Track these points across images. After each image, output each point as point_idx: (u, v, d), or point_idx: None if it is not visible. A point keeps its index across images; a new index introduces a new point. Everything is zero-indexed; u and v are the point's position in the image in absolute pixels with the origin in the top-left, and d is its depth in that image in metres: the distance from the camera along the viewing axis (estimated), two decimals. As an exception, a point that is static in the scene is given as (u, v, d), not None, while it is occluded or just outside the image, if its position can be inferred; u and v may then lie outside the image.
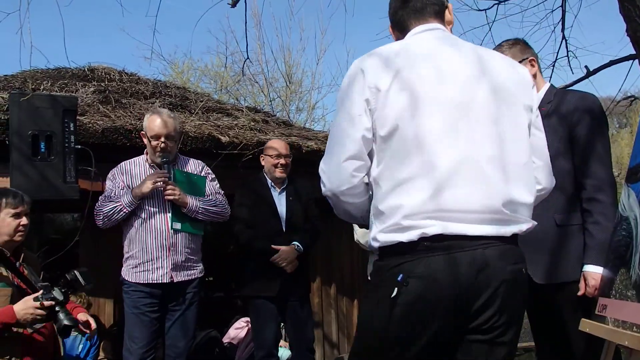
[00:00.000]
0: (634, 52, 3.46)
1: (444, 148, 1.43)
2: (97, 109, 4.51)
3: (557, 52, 4.63)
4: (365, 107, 1.48)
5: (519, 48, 2.40)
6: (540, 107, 2.33)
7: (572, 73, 4.45)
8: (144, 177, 3.21)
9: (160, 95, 5.43)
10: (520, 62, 2.35)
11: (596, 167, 2.17)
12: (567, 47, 4.66)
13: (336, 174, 1.53)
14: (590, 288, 2.10)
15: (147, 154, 3.32)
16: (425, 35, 1.60)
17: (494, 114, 1.48)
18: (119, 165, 3.31)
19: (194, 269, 3.27)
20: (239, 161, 4.34)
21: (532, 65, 2.37)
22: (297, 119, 15.56)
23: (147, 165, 3.30)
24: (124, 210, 3.12)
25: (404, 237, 1.42)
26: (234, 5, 3.64)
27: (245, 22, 3.79)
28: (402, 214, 1.42)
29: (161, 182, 3.13)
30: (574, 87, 4.29)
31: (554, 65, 4.68)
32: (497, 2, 4.78)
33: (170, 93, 5.58)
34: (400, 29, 1.69)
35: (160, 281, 3.14)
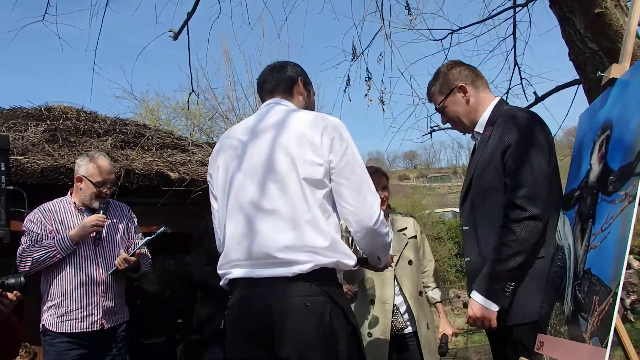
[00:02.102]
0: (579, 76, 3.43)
1: (228, 220, 1.91)
2: (42, 147, 4.36)
3: (510, 80, 4.61)
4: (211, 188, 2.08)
5: (440, 83, 2.31)
6: (484, 132, 2.23)
7: (527, 100, 4.41)
8: (73, 221, 3.07)
9: (114, 133, 5.29)
10: (447, 96, 2.27)
11: (519, 197, 1.99)
12: (520, 75, 4.66)
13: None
14: (471, 318, 2.02)
15: (72, 195, 3.18)
16: (258, 112, 2.05)
17: (272, 178, 1.83)
18: (41, 208, 3.10)
19: (122, 313, 3.14)
20: (188, 198, 4.20)
21: (464, 92, 2.26)
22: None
23: (73, 208, 3.14)
24: (58, 255, 2.96)
25: (222, 282, 1.95)
26: (175, 37, 3.57)
27: (189, 55, 3.70)
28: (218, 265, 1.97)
29: (101, 227, 3.05)
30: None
31: (507, 93, 4.64)
32: (450, 31, 4.79)
33: (125, 130, 5.45)
34: (262, 101, 2.11)
35: (90, 329, 2.95)
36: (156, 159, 4.62)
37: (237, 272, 1.86)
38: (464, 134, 2.38)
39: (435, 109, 2.35)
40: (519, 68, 4.67)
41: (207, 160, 4.98)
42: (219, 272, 1.95)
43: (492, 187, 2.10)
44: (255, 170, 1.87)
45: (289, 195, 1.81)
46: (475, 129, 2.29)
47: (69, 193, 3.21)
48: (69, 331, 2.93)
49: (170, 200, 4.17)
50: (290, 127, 1.88)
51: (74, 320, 2.94)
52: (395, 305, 2.95)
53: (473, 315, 2.00)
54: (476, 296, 2.00)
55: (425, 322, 2.93)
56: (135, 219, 3.33)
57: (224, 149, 2.01)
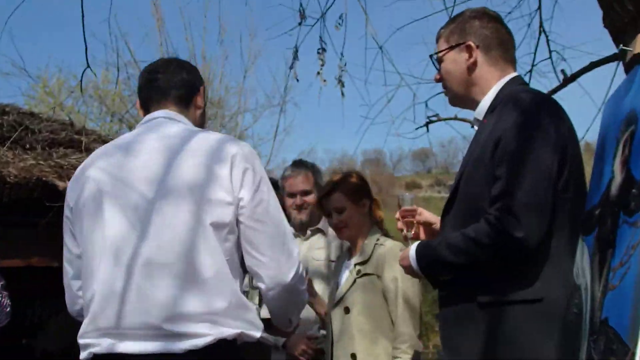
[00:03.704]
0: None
1: (100, 273, 1.89)
2: None
3: (535, 52, 4.60)
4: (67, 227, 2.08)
5: (453, 29, 2.32)
6: (483, 119, 2.22)
7: (559, 81, 4.35)
8: None
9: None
10: (450, 48, 2.29)
11: (504, 209, 1.96)
12: (548, 45, 4.64)
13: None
14: (402, 262, 2.28)
15: None
16: (145, 128, 2.08)
17: (166, 222, 1.87)
18: None
19: None
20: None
21: (470, 55, 2.25)
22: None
23: None
24: None
25: (82, 355, 1.92)
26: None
27: (82, 14, 3.61)
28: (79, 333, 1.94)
29: None
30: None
31: (531, 71, 4.65)
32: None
33: (1, 121, 5.36)
34: (145, 109, 2.16)
35: None
36: (41, 162, 4.58)
37: (106, 345, 1.86)
38: (451, 105, 2.44)
39: (430, 55, 2.39)
40: (546, 36, 4.65)
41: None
42: (80, 341, 1.94)
43: (483, 197, 2.07)
44: (141, 211, 1.91)
45: (187, 245, 1.86)
46: (474, 115, 2.30)
47: None
48: None
49: (58, 220, 4.08)
50: (190, 155, 1.95)
51: None
52: None
53: (402, 260, 2.27)
54: (412, 253, 2.21)
55: None
56: None
57: (94, 179, 2.01)
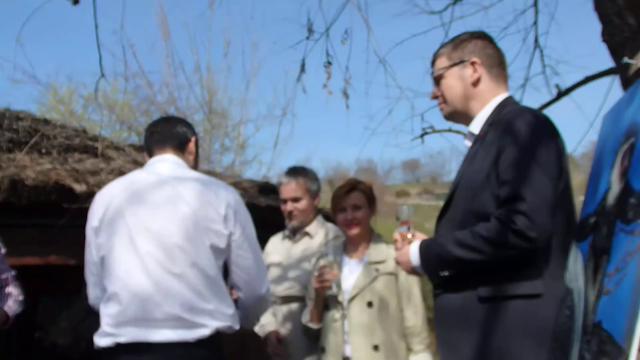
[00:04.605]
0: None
1: (133, 272, 2.31)
2: None
3: (529, 67, 4.67)
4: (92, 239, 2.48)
5: (454, 46, 2.38)
6: (479, 133, 2.27)
7: (552, 95, 4.40)
8: None
9: (0, 130, 5.28)
10: (453, 64, 2.34)
11: (515, 211, 1.99)
12: (542, 60, 4.72)
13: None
14: (398, 255, 2.34)
15: None
16: (154, 168, 2.57)
17: (178, 242, 2.33)
18: None
19: None
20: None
21: (474, 71, 2.31)
22: (221, 161, 15.76)
23: None
24: None
25: (103, 343, 2.31)
26: (75, 1, 3.59)
27: (96, 25, 3.70)
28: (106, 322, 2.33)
29: None
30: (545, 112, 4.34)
31: (524, 85, 4.73)
32: (452, 2, 4.88)
33: (16, 127, 5.43)
34: (149, 154, 2.66)
35: None
36: (57, 167, 4.62)
37: (131, 335, 2.24)
38: (446, 119, 2.49)
39: (432, 74, 2.44)
40: (541, 51, 4.75)
41: (131, 167, 4.98)
42: (106, 330, 2.31)
43: (482, 201, 2.12)
44: (162, 232, 2.35)
45: (196, 260, 2.35)
46: (469, 128, 2.34)
47: None
48: None
49: (74, 222, 4.14)
50: (195, 194, 2.43)
51: None
52: (348, 357, 3.05)
53: (400, 257, 2.33)
54: (414, 250, 2.26)
55: None
56: (2, 250, 3.31)
57: (118, 206, 2.42)
